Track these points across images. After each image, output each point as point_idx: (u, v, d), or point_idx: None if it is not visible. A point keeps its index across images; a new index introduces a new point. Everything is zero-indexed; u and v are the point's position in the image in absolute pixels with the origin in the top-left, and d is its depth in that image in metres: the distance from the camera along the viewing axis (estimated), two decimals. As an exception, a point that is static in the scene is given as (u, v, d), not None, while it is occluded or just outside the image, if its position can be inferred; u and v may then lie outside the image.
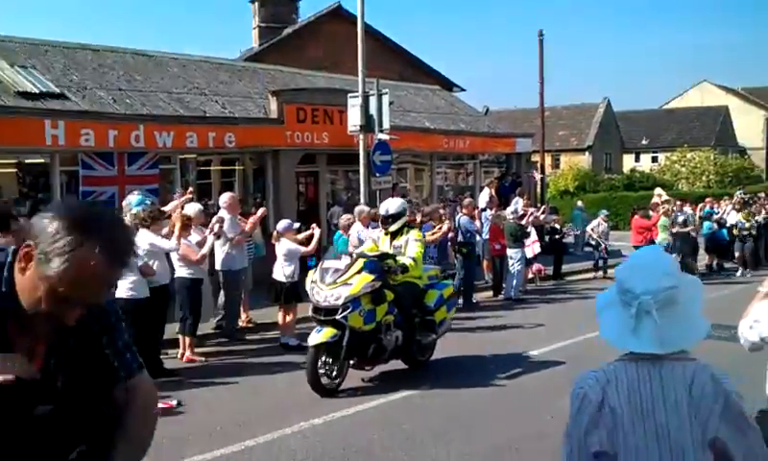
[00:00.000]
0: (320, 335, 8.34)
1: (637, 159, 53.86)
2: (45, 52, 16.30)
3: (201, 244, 10.09)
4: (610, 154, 49.59)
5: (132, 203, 10.16)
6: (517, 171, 23.67)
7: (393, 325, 8.85)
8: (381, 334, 8.66)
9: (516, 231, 14.95)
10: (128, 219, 9.26)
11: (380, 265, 8.79)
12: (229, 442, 6.75)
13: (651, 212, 17.51)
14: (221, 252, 11.29)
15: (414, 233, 9.56)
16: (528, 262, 15.93)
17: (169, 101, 16.16)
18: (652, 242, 17.30)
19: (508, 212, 15.97)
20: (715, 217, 20.24)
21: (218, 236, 10.59)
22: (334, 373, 8.45)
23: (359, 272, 8.59)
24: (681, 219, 18.13)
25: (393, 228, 9.53)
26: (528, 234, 15.54)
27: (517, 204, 17.45)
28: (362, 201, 15.30)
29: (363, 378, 8.96)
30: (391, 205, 9.73)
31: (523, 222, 15.32)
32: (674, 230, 17.53)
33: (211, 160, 17.91)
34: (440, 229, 12.99)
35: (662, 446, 2.23)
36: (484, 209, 17.01)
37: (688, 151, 46.84)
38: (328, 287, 8.51)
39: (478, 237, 15.69)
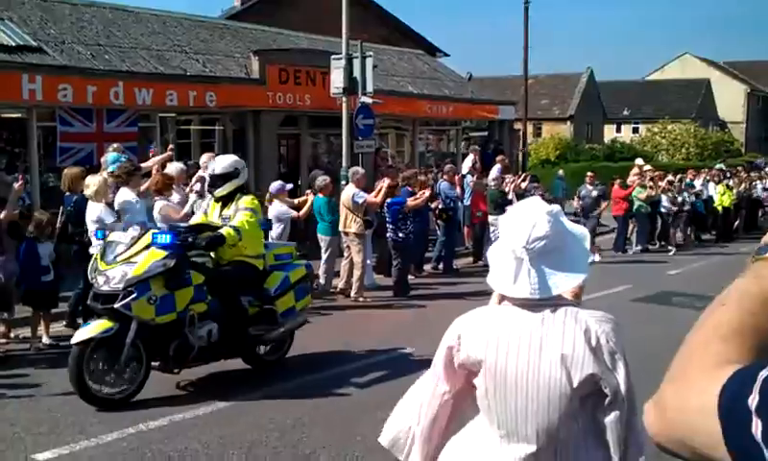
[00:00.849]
0: (88, 329, 6.60)
1: (619, 130, 54.02)
2: (22, 4, 15.90)
3: (182, 203, 9.98)
4: (591, 124, 49.62)
5: (108, 160, 10.03)
6: (500, 138, 23.63)
7: (205, 315, 7.04)
8: (185, 328, 6.80)
9: (497, 198, 14.93)
10: (104, 178, 9.14)
11: (178, 239, 6.84)
12: (204, 404, 6.70)
13: (628, 182, 17.74)
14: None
15: (246, 200, 7.48)
16: None
17: (149, 58, 15.88)
18: (630, 211, 17.46)
19: (489, 179, 15.92)
20: (694, 190, 20.34)
21: (200, 195, 10.48)
22: (112, 378, 6.62)
23: (147, 247, 6.79)
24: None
25: (220, 192, 7.56)
26: (510, 202, 15.46)
27: (499, 171, 17.40)
28: (344, 164, 15.22)
29: (178, 384, 7.27)
30: (219, 163, 7.71)
31: (506, 189, 15.26)
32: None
33: (191, 120, 17.70)
34: (422, 194, 12.78)
35: (529, 384, 2.34)
36: (465, 176, 16.97)
37: (669, 123, 47.00)
38: (109, 267, 6.74)
39: (459, 204, 15.68)
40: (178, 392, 7.08)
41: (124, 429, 6.01)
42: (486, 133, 24.15)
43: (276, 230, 10.66)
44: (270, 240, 10.28)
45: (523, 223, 2.41)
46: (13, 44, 13.73)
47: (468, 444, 2.54)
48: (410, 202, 12.18)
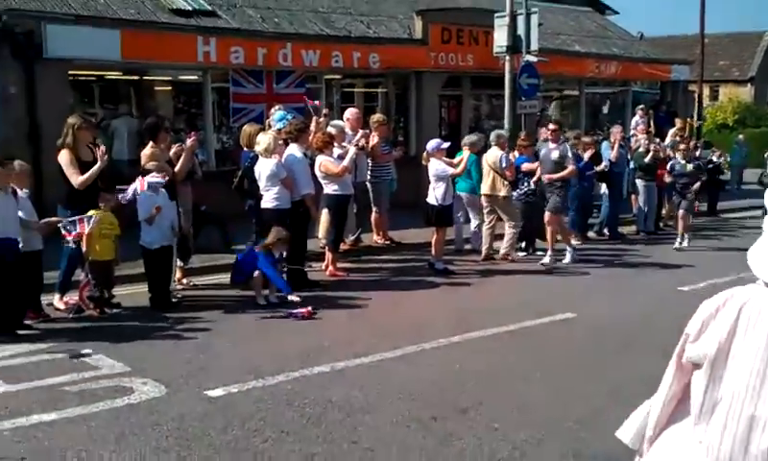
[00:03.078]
0: None
1: (806, 93, 49.76)
2: (198, -29, 16.66)
3: (341, 158, 10.14)
4: (774, 86, 46.00)
5: (275, 118, 10.36)
6: (672, 101, 22.39)
7: None
8: None
9: (641, 162, 14.03)
10: (273, 135, 9.47)
11: None
12: (369, 351, 6.81)
13: None
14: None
15: None
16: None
17: (315, 20, 16.22)
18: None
19: (665, 143, 14.94)
20: None
21: (361, 148, 10.60)
22: None
23: None
24: None
25: None
26: (654, 168, 14.21)
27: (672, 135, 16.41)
28: (506, 126, 14.95)
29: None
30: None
31: (647, 158, 14.05)
32: None
33: (355, 83, 17.98)
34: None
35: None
36: (628, 138, 16.04)
37: None
38: None
39: (626, 168, 14.88)
40: (343, 338, 7.25)
41: (289, 373, 6.21)
42: (657, 95, 22.97)
43: (438, 190, 10.49)
44: (433, 199, 10.45)
45: None
46: (189, 9, 14.44)
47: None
48: (523, 166, 11.79)
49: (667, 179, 13.50)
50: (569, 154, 11.58)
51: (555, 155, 11.35)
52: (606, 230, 13.94)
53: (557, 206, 11.20)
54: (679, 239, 12.86)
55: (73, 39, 12.21)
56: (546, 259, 11.08)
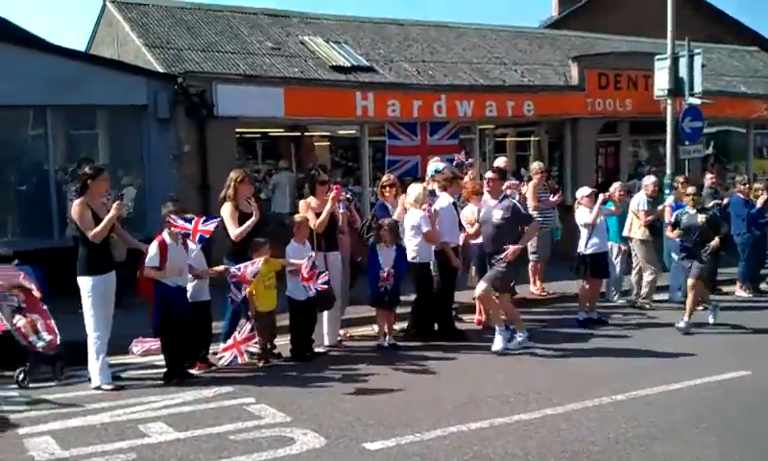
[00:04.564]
0: None
1: None
2: (356, 28, 17.32)
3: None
4: None
5: (430, 170, 10.56)
6: None
7: None
8: None
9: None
10: (423, 187, 9.67)
11: None
12: (527, 407, 6.66)
13: None
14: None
15: None
16: None
17: (469, 71, 16.37)
18: None
19: None
20: None
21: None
22: None
23: None
24: None
25: None
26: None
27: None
28: (668, 172, 14.40)
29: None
30: None
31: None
32: None
33: (507, 133, 17.94)
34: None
35: None
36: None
37: None
38: None
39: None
40: (496, 392, 7.13)
41: (446, 428, 6.16)
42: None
43: (585, 239, 10.41)
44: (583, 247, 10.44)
45: None
46: (348, 65, 14.97)
47: None
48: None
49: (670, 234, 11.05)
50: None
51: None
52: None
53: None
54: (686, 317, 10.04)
55: (241, 98, 12.96)
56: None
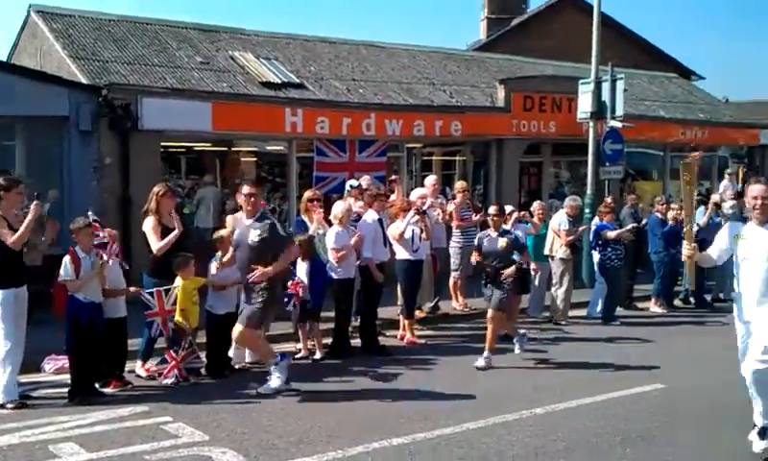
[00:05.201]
0: None
1: None
2: (287, 45, 17.29)
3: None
4: None
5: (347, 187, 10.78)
6: (762, 166, 21.75)
7: None
8: None
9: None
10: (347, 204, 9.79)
11: None
12: (448, 423, 6.71)
13: None
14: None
15: None
16: None
17: (399, 90, 16.52)
18: None
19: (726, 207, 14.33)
20: None
21: (423, 213, 10.60)
22: None
23: None
24: None
25: None
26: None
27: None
28: (588, 192, 14.83)
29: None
30: None
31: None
32: None
33: (433, 152, 18.17)
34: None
35: None
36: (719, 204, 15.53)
37: None
38: None
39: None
40: (413, 410, 7.17)
41: (368, 444, 6.16)
42: (746, 161, 22.36)
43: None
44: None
45: None
46: (278, 81, 14.93)
47: None
48: (610, 233, 12.05)
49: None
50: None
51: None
52: (692, 299, 13.51)
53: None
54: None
55: (167, 112, 12.76)
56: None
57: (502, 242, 9.14)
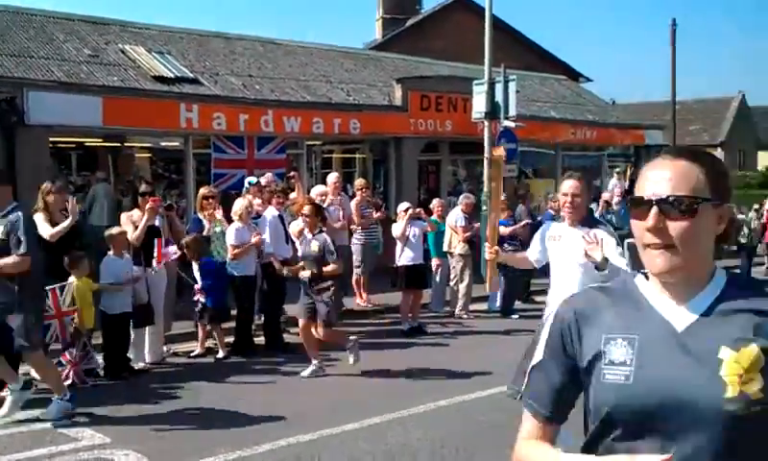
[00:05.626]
0: None
1: (774, 157, 50.81)
2: (180, 39, 16.90)
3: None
4: (744, 150, 46.99)
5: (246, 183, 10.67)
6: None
7: None
8: None
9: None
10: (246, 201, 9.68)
11: None
12: (335, 422, 6.72)
13: None
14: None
15: None
16: None
17: (297, 88, 16.42)
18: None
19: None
20: None
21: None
22: None
23: None
24: None
25: None
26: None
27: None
28: (484, 190, 15.13)
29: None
30: None
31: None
32: None
33: (333, 150, 18.15)
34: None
35: None
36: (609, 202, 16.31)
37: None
38: None
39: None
40: (319, 408, 7.15)
41: (275, 441, 6.10)
42: (632, 160, 23.36)
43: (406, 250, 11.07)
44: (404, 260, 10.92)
45: None
46: (172, 76, 14.56)
47: None
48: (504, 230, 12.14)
49: None
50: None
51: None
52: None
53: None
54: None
55: (55, 106, 12.22)
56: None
57: (315, 245, 8.20)
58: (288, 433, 6.27)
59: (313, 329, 8.33)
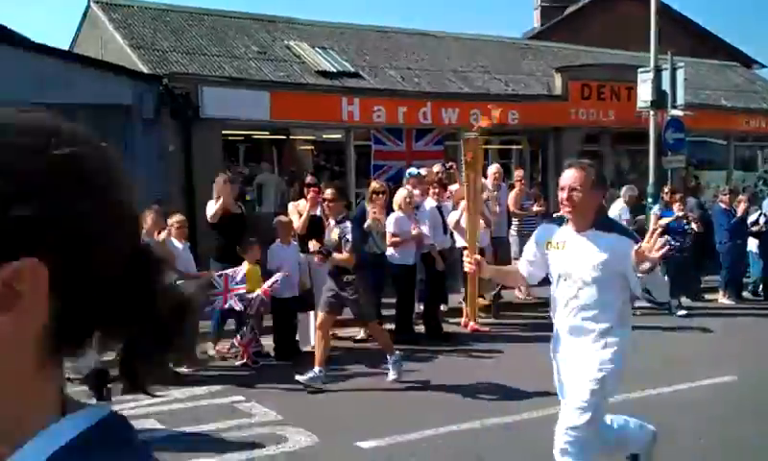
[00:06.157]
0: None
1: None
2: (341, 34, 17.32)
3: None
4: None
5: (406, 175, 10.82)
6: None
7: None
8: None
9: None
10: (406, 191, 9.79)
11: None
12: (497, 412, 6.65)
13: None
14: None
15: None
16: None
17: (454, 79, 16.43)
18: None
19: None
20: None
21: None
22: None
23: None
24: None
25: None
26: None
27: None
28: (650, 181, 14.53)
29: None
30: None
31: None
32: None
33: (491, 140, 17.97)
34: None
35: None
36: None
37: None
38: None
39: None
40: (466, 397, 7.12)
41: (439, 428, 6.14)
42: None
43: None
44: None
45: None
46: (334, 70, 14.96)
47: None
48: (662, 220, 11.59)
49: None
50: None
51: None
52: (761, 290, 13.18)
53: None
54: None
55: (226, 101, 12.87)
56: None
57: (335, 233, 7.50)
58: (450, 420, 6.30)
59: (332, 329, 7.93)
